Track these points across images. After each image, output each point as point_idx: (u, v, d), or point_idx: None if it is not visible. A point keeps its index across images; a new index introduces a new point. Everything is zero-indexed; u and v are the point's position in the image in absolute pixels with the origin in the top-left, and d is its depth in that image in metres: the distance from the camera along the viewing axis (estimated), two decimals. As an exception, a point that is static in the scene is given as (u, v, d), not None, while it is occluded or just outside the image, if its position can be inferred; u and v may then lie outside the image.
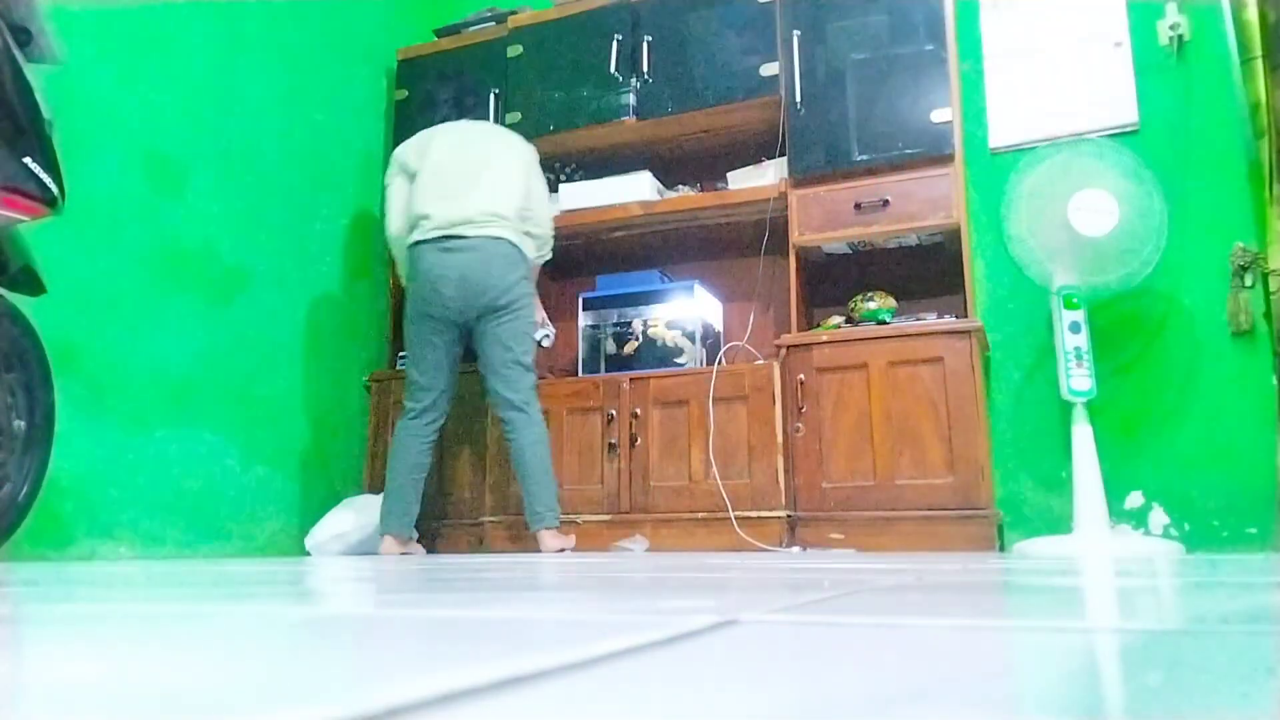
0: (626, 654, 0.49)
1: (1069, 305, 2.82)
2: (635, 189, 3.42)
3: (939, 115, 3.02)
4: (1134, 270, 2.77)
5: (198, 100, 3.03)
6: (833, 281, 3.36)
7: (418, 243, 2.90)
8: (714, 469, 2.95)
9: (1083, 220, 2.70)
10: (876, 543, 2.80)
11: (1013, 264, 3.12)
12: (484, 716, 0.33)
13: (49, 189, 1.86)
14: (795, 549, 2.83)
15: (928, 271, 3.23)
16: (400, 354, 3.67)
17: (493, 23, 3.76)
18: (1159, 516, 2.90)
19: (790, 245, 3.15)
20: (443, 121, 3.25)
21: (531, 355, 2.92)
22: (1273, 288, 2.82)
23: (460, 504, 3.34)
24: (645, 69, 3.41)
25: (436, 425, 2.98)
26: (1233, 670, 0.44)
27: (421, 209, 2.90)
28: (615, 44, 3.44)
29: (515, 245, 2.91)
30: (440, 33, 3.90)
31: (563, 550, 2.83)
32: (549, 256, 3.15)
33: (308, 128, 3.50)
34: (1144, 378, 2.99)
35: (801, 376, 2.96)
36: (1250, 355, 2.88)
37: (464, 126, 3.14)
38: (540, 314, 3.15)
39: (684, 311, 3.24)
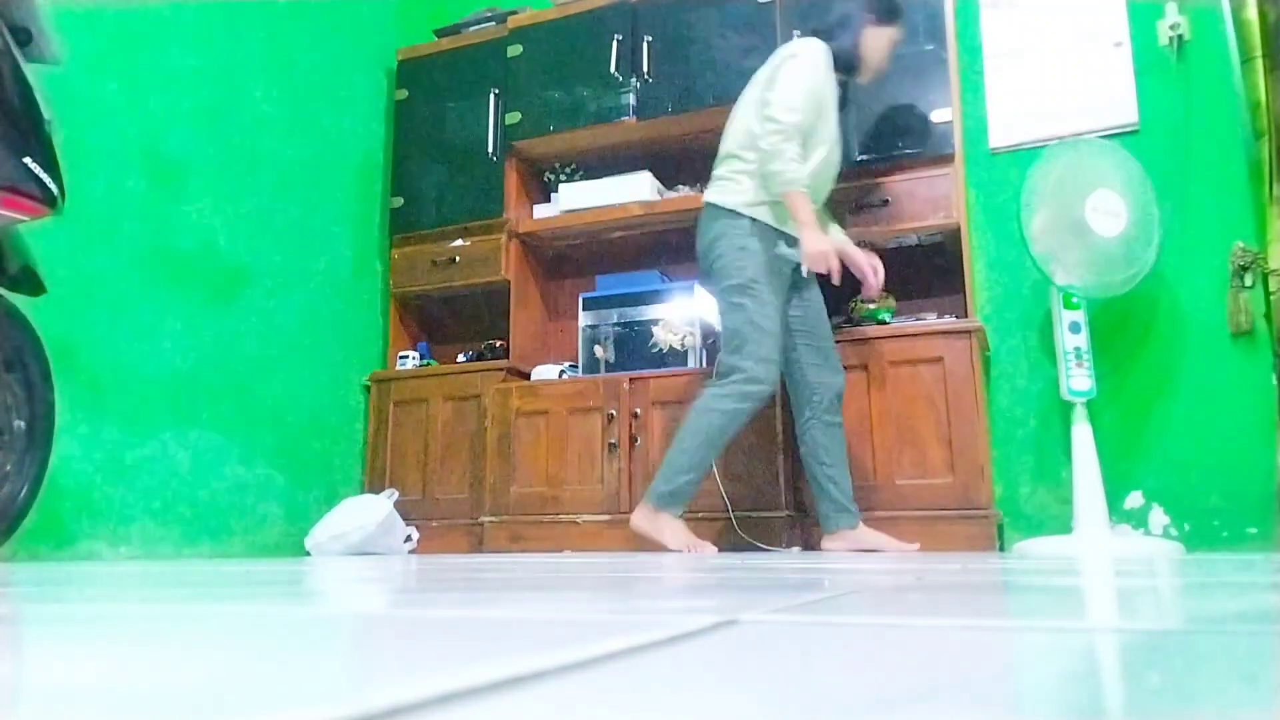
0: (626, 654, 0.48)
1: (1069, 305, 2.82)
2: (635, 189, 3.42)
3: (939, 115, 3.02)
4: (1137, 271, 2.77)
5: (198, 100, 3.03)
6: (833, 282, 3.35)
7: None
8: (714, 469, 2.94)
9: (1098, 221, 2.71)
10: (876, 543, 2.79)
11: (1013, 264, 3.13)
12: (484, 716, 0.33)
13: (49, 189, 1.85)
14: (795, 549, 2.83)
15: (928, 271, 3.23)
16: (400, 353, 3.67)
17: (493, 23, 3.76)
18: (1159, 516, 2.90)
19: (790, 245, 3.14)
20: (443, 122, 3.14)
21: (731, 327, 2.62)
22: (1273, 288, 2.82)
23: (459, 504, 3.34)
24: (645, 69, 3.41)
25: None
26: (1233, 670, 0.44)
27: None
28: (615, 44, 3.44)
29: (713, 203, 2.70)
30: (440, 33, 3.90)
31: (685, 548, 2.55)
32: (781, 172, 2.52)
33: (308, 128, 3.50)
34: (1144, 378, 2.99)
35: (801, 376, 2.95)
36: (1250, 355, 2.88)
37: None
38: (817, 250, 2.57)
39: (684, 311, 3.24)
